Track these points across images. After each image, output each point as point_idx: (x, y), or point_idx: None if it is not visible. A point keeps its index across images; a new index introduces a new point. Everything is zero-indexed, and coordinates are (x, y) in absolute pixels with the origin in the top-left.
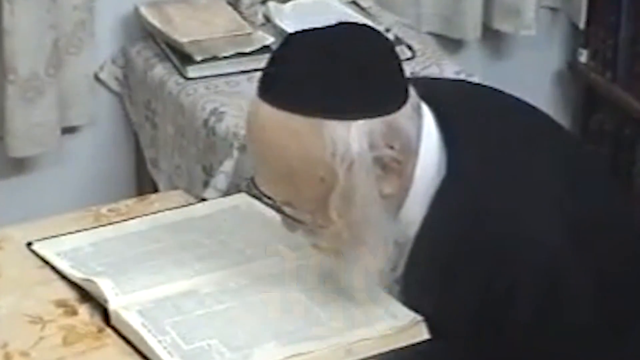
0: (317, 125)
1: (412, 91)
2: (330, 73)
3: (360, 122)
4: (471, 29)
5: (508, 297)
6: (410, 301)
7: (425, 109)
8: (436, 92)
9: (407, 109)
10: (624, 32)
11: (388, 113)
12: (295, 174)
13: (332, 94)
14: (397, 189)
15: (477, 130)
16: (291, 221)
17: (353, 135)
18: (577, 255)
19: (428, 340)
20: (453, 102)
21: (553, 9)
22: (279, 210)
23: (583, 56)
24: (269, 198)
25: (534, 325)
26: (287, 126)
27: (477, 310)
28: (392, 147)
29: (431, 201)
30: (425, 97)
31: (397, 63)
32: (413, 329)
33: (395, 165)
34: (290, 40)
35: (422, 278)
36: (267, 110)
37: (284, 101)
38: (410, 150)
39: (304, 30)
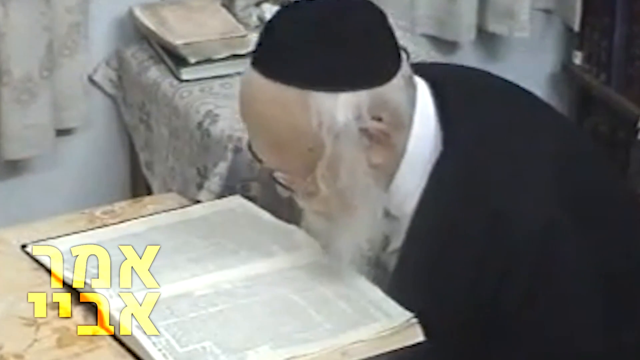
0: (305, 96)
1: (404, 62)
2: (319, 45)
3: (347, 93)
4: (465, 31)
5: (503, 268)
6: (404, 278)
7: (420, 82)
8: (433, 73)
9: (398, 80)
10: (619, 34)
11: (376, 85)
12: (284, 144)
13: (320, 66)
14: (387, 159)
15: (474, 107)
16: (282, 187)
17: (339, 107)
18: (575, 229)
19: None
20: (450, 81)
21: (547, 11)
22: (271, 174)
23: (577, 58)
24: (262, 161)
25: (528, 299)
26: (276, 97)
27: (473, 284)
28: (379, 119)
29: (429, 176)
30: (422, 76)
31: (389, 34)
32: (408, 330)
33: (382, 136)
34: (284, 12)
35: (420, 252)
36: (258, 80)
37: (274, 72)
38: (401, 122)
39: (298, 2)
